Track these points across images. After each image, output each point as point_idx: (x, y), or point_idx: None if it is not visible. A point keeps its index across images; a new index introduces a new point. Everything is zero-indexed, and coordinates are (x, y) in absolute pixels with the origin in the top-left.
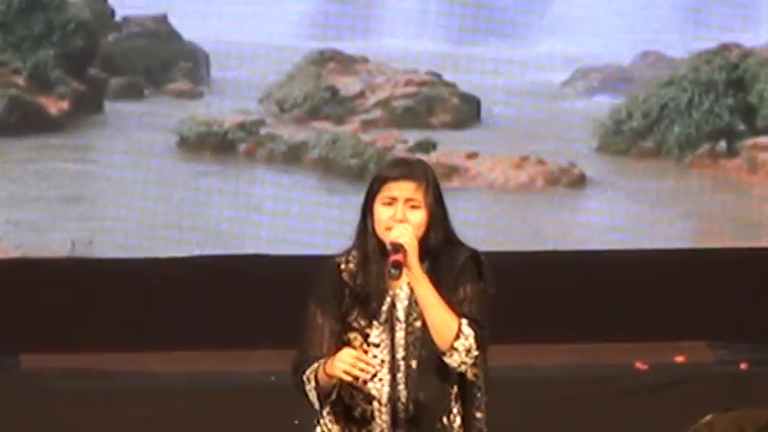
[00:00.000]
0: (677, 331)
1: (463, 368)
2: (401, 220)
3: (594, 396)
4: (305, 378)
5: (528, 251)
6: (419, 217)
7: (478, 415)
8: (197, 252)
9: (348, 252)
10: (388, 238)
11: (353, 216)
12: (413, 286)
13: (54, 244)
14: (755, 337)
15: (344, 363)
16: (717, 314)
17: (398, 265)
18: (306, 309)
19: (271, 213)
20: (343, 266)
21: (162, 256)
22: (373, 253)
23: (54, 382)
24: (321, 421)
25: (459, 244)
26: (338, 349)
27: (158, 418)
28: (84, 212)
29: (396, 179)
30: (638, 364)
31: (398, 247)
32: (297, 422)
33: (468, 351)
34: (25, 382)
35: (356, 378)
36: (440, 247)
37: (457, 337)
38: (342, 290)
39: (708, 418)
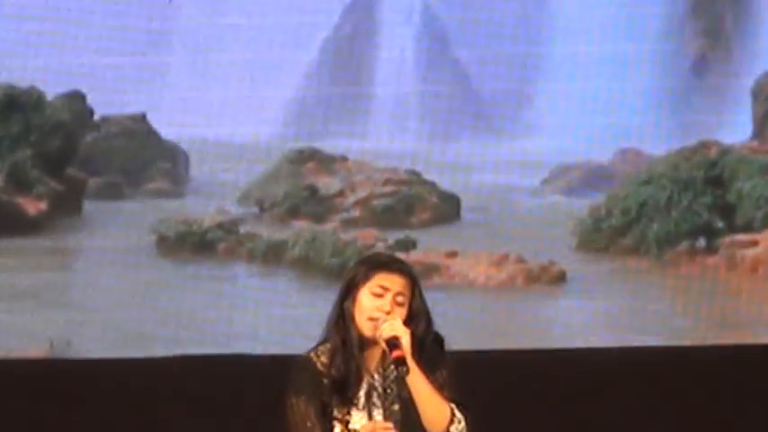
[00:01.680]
0: (657, 430)
1: None
2: (388, 312)
3: None
4: None
5: (508, 349)
6: (403, 314)
7: None
8: (176, 352)
9: (316, 347)
10: (373, 330)
11: None
12: (409, 378)
13: (33, 345)
14: None
15: None
16: (701, 411)
17: (404, 362)
18: (287, 405)
19: (251, 313)
20: (315, 360)
21: (141, 356)
22: (352, 340)
23: None
24: None
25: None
26: None
27: None
28: (62, 313)
29: (391, 271)
30: None
31: (396, 343)
32: None
33: None
34: None
35: None
36: (421, 340)
37: (451, 422)
38: (320, 381)
39: None
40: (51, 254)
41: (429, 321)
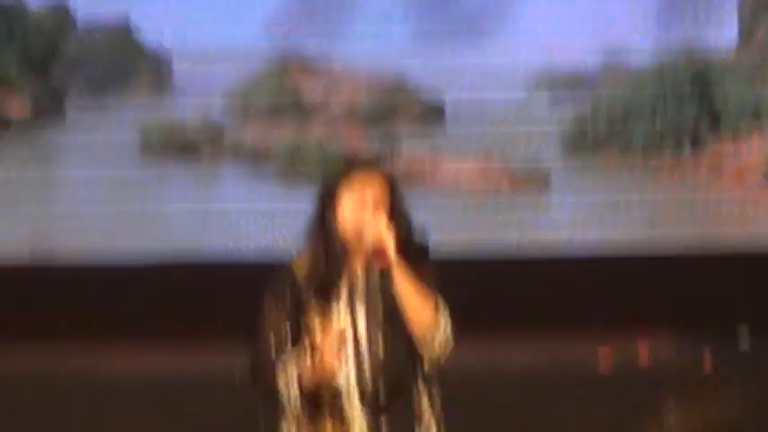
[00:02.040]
0: (640, 333)
1: (436, 360)
2: (373, 213)
3: (559, 395)
4: (282, 372)
5: (492, 255)
6: (384, 211)
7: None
8: (161, 256)
9: (297, 256)
10: (357, 235)
11: None
12: (394, 277)
13: (15, 250)
14: (719, 335)
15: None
16: (681, 314)
17: (389, 272)
18: (262, 310)
19: (234, 216)
20: (295, 269)
21: (125, 261)
22: (336, 247)
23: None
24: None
25: (415, 235)
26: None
27: (121, 414)
28: (45, 217)
29: (362, 174)
30: (603, 365)
31: (382, 249)
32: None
33: (444, 345)
34: None
35: None
36: (401, 239)
37: (437, 309)
38: (299, 291)
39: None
40: (35, 158)
41: (409, 219)
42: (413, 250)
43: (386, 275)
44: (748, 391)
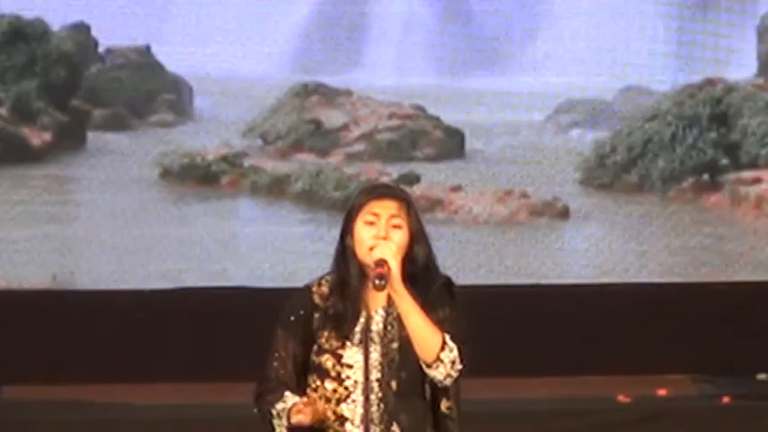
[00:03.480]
0: (660, 365)
1: (448, 381)
2: (384, 237)
3: (576, 429)
4: (274, 413)
5: (511, 284)
6: (401, 236)
7: None
8: (179, 284)
9: (322, 277)
10: (372, 257)
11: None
12: (395, 301)
13: (35, 276)
14: (739, 372)
15: (304, 415)
16: (700, 348)
17: (383, 276)
18: (273, 331)
19: (254, 246)
20: (315, 289)
21: (144, 288)
22: (353, 275)
23: (36, 413)
24: None
25: (436, 270)
26: (303, 372)
27: None
28: (66, 244)
29: (378, 197)
30: (621, 397)
31: (383, 263)
32: None
33: (453, 363)
34: (6, 414)
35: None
36: (419, 270)
37: (442, 348)
38: (311, 312)
39: None
40: (55, 184)
41: (427, 252)
42: (436, 291)
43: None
44: (766, 422)
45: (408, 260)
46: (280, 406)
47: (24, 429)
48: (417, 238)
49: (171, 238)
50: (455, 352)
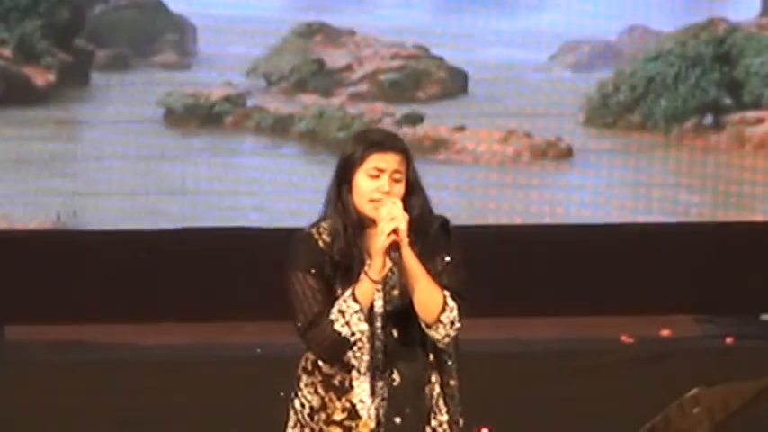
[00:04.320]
0: (663, 305)
1: (446, 340)
2: (388, 193)
3: (579, 369)
4: (333, 317)
5: (514, 224)
6: (401, 189)
7: (452, 382)
8: (183, 224)
9: (317, 224)
10: (375, 211)
11: None
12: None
13: (39, 216)
14: (742, 311)
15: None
16: (703, 288)
17: (398, 247)
18: (289, 280)
19: (257, 186)
20: (316, 237)
21: (148, 228)
22: (354, 223)
23: (39, 353)
24: (299, 393)
25: (431, 213)
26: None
27: (144, 391)
28: (69, 185)
29: (384, 150)
30: (624, 338)
31: (395, 232)
32: (282, 394)
33: (452, 323)
34: (10, 354)
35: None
36: (414, 218)
37: (442, 310)
38: (322, 258)
39: (693, 392)
40: (59, 124)
41: (424, 195)
42: (433, 234)
43: (397, 263)
44: None
45: (404, 208)
46: (337, 305)
47: (28, 369)
48: (414, 188)
49: (174, 178)
50: (455, 312)
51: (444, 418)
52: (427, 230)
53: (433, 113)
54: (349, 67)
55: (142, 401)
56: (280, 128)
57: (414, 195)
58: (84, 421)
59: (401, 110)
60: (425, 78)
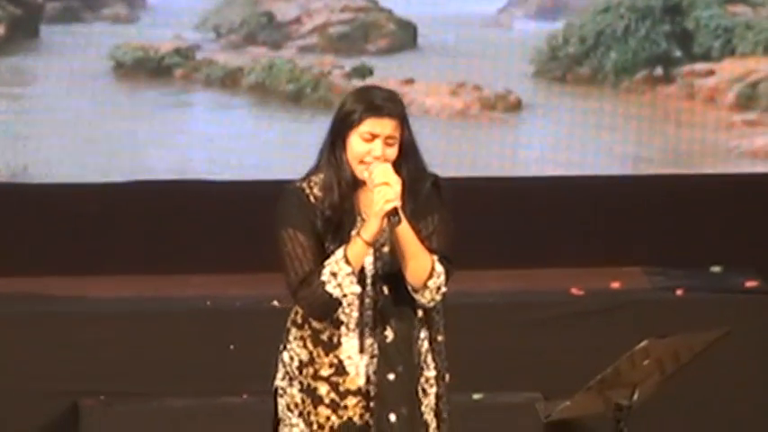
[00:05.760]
0: (613, 257)
1: (431, 304)
2: (379, 158)
3: (529, 322)
4: (324, 279)
5: (463, 177)
6: (393, 152)
7: (439, 338)
8: (133, 177)
9: (308, 177)
10: (364, 174)
11: (291, 140)
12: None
13: None
14: (692, 264)
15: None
16: (653, 241)
17: (396, 212)
18: (279, 237)
19: (207, 139)
20: (307, 191)
21: (99, 181)
22: (347, 179)
23: None
24: (288, 346)
25: (423, 170)
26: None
27: (97, 343)
28: (19, 138)
29: (379, 116)
30: (574, 290)
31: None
32: (232, 347)
33: (439, 288)
34: None
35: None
36: (408, 178)
37: (430, 276)
38: (313, 213)
39: (643, 344)
40: (8, 77)
41: (418, 155)
42: (425, 193)
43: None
44: (718, 314)
45: (397, 171)
46: (329, 266)
47: None
48: (408, 150)
49: (124, 131)
50: (442, 278)
51: (432, 373)
52: (419, 190)
53: (382, 66)
54: (298, 20)
55: (96, 354)
56: (229, 80)
57: (408, 156)
58: (37, 374)
59: (350, 62)
60: (375, 31)
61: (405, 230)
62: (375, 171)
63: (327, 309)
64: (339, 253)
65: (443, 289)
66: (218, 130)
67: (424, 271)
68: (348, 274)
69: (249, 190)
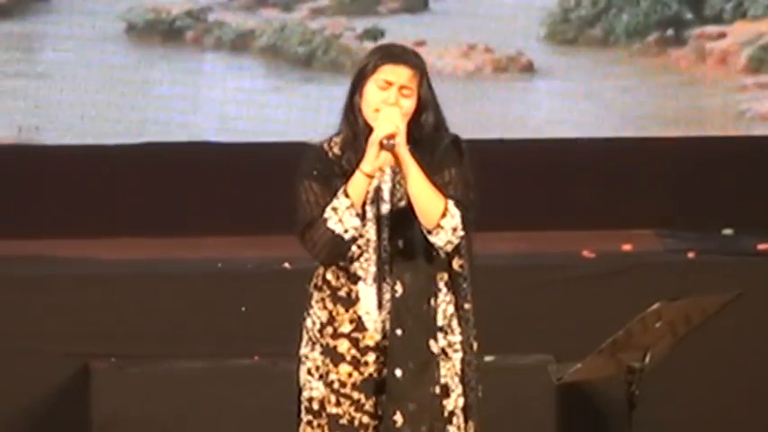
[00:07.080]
0: (625, 220)
1: (449, 247)
2: (392, 104)
3: (540, 284)
4: (326, 215)
5: (475, 139)
6: (410, 104)
7: (466, 306)
8: (144, 139)
9: (330, 139)
10: (377, 120)
11: (301, 103)
12: (400, 167)
13: (0, 131)
14: (704, 226)
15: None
16: (665, 203)
17: (392, 137)
18: (300, 187)
19: (218, 101)
20: (327, 149)
21: (109, 143)
22: (362, 132)
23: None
24: (310, 311)
25: (445, 130)
26: None
27: (108, 305)
28: (31, 100)
29: (395, 63)
30: (586, 253)
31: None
32: (244, 309)
33: (455, 230)
34: None
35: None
36: (425, 136)
37: (443, 215)
38: (330, 168)
39: (655, 306)
40: (20, 39)
41: (438, 113)
42: (442, 149)
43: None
44: (730, 276)
45: (415, 126)
46: (330, 204)
47: None
48: (426, 105)
49: (136, 93)
50: (457, 219)
51: (457, 338)
52: (437, 145)
53: (394, 28)
54: None
55: (107, 317)
56: (241, 42)
57: (426, 112)
58: (48, 336)
59: (362, 24)
60: None
61: (413, 171)
62: (382, 111)
63: (333, 248)
64: (340, 189)
65: (460, 232)
66: (229, 93)
67: (437, 210)
68: (348, 207)
69: (260, 152)
